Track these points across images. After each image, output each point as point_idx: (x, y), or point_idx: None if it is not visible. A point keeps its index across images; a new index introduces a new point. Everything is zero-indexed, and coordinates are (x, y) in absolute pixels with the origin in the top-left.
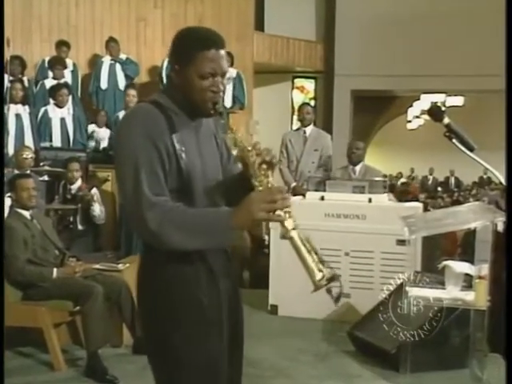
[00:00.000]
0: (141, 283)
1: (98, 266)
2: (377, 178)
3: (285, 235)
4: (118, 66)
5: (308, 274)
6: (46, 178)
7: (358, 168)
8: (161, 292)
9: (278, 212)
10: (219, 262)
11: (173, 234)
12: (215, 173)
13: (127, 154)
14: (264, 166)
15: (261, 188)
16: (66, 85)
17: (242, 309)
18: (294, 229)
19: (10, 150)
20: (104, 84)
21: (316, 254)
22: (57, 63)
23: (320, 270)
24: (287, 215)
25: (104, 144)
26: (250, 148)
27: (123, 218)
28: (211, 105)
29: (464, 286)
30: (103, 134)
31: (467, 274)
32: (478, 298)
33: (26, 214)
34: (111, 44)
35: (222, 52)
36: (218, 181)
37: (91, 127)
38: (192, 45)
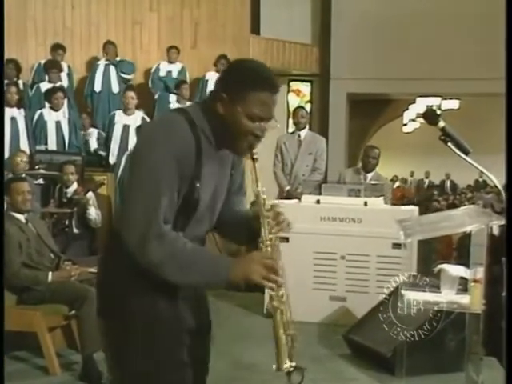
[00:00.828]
0: (98, 292)
1: (93, 270)
2: (373, 182)
3: (269, 310)
4: (112, 69)
5: (276, 353)
6: (41, 181)
7: (369, 175)
8: (116, 303)
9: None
10: None
11: (171, 270)
12: (219, 201)
13: (149, 170)
14: (275, 231)
15: (264, 249)
16: (61, 88)
17: (210, 320)
18: (279, 307)
19: (5, 153)
20: (98, 87)
21: (292, 341)
22: (52, 66)
23: (289, 358)
24: (280, 290)
25: (93, 144)
26: (269, 207)
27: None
28: (247, 147)
29: (459, 290)
30: (91, 135)
31: (462, 278)
32: (473, 301)
33: (21, 217)
34: (108, 46)
35: (275, 97)
36: (218, 208)
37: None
38: (248, 82)
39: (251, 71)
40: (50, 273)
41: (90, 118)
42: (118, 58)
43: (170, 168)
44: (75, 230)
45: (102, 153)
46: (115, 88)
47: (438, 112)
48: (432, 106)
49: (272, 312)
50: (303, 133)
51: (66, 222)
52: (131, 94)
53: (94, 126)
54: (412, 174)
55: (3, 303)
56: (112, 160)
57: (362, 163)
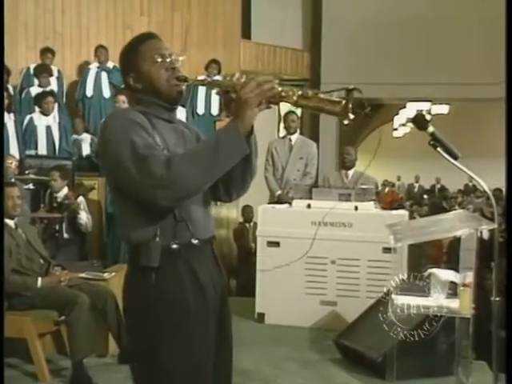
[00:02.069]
0: (126, 295)
1: (83, 275)
2: (363, 186)
3: (293, 102)
4: (103, 74)
5: (330, 105)
6: (31, 186)
7: (350, 173)
8: (147, 303)
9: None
10: (208, 274)
11: (184, 171)
12: None
13: (120, 136)
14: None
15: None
16: (51, 92)
17: (231, 320)
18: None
19: None
20: (89, 91)
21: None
22: (43, 71)
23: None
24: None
25: (86, 149)
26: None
27: (110, 226)
28: (174, 80)
29: (449, 294)
30: (84, 140)
31: (452, 282)
32: (462, 305)
33: (11, 222)
34: (100, 50)
35: (162, 42)
36: None
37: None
38: (133, 46)
39: (131, 41)
40: (40, 278)
41: (83, 123)
42: (109, 63)
43: (135, 130)
44: (65, 235)
45: (95, 160)
46: (106, 93)
47: (428, 117)
48: (422, 110)
49: (297, 101)
50: (294, 137)
51: (57, 227)
52: (122, 97)
53: (87, 131)
54: (399, 178)
55: (3, 308)
56: None
57: (340, 162)
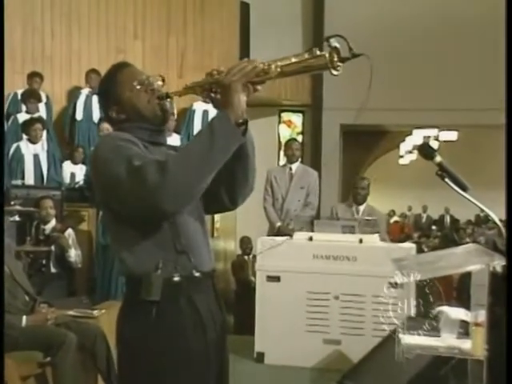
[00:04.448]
0: (123, 330)
1: (71, 313)
2: (367, 217)
3: (278, 73)
4: (94, 98)
5: (316, 61)
6: (16, 218)
7: (361, 208)
8: (146, 339)
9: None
10: (208, 309)
11: (181, 169)
12: None
13: (115, 155)
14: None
15: None
16: (40, 119)
17: (228, 359)
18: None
19: None
20: (79, 115)
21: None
22: (30, 96)
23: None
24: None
25: (80, 181)
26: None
27: (100, 259)
28: (156, 102)
29: (460, 334)
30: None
31: (463, 321)
32: (474, 346)
33: None
34: (91, 75)
35: (135, 68)
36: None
37: (66, 164)
38: (111, 76)
39: (106, 75)
40: (24, 316)
41: (84, 154)
42: None
43: (130, 148)
44: (53, 270)
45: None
46: (96, 117)
47: (436, 144)
48: (429, 137)
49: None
50: (295, 166)
51: (43, 261)
52: (106, 125)
53: (84, 163)
54: (410, 209)
55: (3, 331)
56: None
57: (352, 195)
